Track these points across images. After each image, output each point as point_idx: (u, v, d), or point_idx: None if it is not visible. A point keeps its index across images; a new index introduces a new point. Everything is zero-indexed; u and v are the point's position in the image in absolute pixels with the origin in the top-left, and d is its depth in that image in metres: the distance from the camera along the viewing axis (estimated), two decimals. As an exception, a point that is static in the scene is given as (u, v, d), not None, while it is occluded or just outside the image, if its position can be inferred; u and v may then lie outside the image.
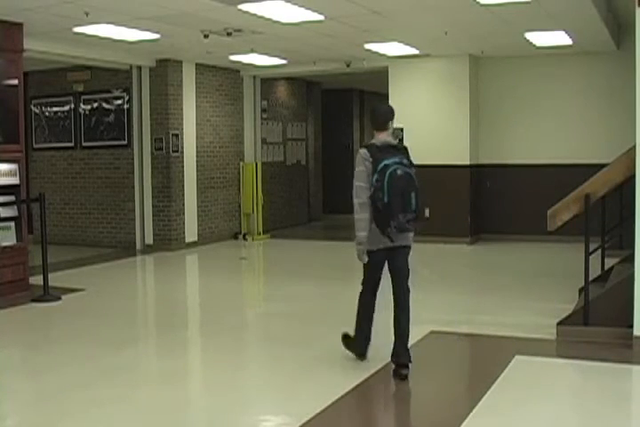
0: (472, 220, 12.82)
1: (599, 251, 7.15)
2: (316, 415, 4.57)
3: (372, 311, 5.73)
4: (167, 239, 12.48)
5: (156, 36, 10.02)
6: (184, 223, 12.70)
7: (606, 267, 7.46)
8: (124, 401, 4.98)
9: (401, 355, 5.45)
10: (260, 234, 14.02)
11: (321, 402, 4.79)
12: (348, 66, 13.17)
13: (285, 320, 7.45)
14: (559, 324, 6.38)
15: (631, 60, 6.07)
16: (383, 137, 5.57)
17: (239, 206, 14.09)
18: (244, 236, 13.88)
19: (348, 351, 5.85)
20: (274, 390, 5.34)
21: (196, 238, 12.94)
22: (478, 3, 8.38)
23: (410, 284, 5.55)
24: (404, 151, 5.56)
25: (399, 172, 5.35)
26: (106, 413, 4.74)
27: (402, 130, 12.89)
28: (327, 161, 18.13)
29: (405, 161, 5.47)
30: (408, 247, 5.59)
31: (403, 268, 5.56)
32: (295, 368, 5.75)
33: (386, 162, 5.35)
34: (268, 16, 8.83)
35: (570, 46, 11.66)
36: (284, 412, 4.85)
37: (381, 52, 12.05)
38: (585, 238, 6.28)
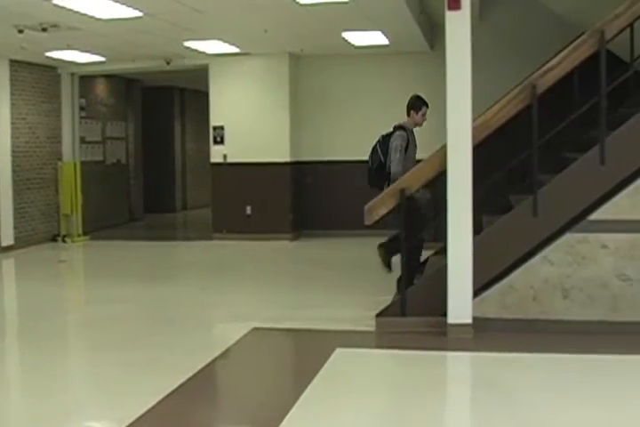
0: (294, 216, 12.97)
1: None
2: (137, 419, 4.47)
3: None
4: (-20, 243, 11.95)
5: (-37, 30, 9.58)
6: (-1, 226, 12.18)
7: (423, 259, 7.73)
8: None
9: None
10: (79, 235, 13.65)
11: (143, 405, 4.69)
12: (168, 63, 13.02)
13: (107, 324, 7.25)
14: (378, 315, 6.56)
15: (444, 61, 6.30)
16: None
17: (58, 207, 13.66)
18: (64, 238, 13.47)
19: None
20: (96, 395, 5.18)
21: (12, 242, 12.43)
22: (297, 2, 8.49)
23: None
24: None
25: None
26: None
27: (222, 128, 12.91)
28: (148, 160, 17.85)
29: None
30: None
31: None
32: (117, 372, 5.62)
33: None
34: (84, 11, 8.60)
35: (386, 46, 12.01)
36: (106, 417, 4.72)
37: (201, 49, 11.99)
38: (400, 232, 6.49)
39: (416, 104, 7.65)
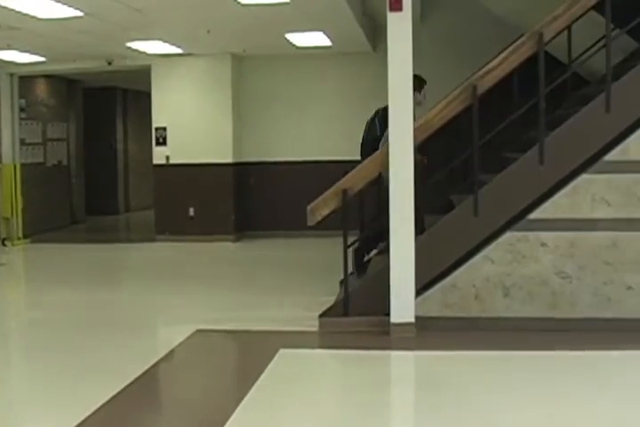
0: (237, 217, 12.94)
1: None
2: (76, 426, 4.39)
3: None
4: None
5: None
6: None
7: (365, 259, 7.75)
8: None
9: None
10: (20, 239, 13.42)
11: (82, 413, 4.56)
12: (109, 64, 12.88)
13: (47, 329, 7.09)
14: (321, 316, 6.56)
15: (386, 62, 6.33)
16: None
17: (-3, 210, 13.44)
18: (4, 241, 13.24)
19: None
20: (36, 401, 5.08)
21: (-51, 246, 12.21)
22: (239, 3, 8.46)
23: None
24: None
25: None
26: None
27: (165, 129, 12.83)
28: (89, 161, 17.62)
29: None
30: None
31: None
32: (56, 379, 5.49)
33: None
34: (24, 11, 8.45)
35: (329, 47, 12.05)
36: (46, 422, 4.64)
37: (143, 50, 11.88)
38: (343, 232, 6.51)
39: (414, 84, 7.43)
